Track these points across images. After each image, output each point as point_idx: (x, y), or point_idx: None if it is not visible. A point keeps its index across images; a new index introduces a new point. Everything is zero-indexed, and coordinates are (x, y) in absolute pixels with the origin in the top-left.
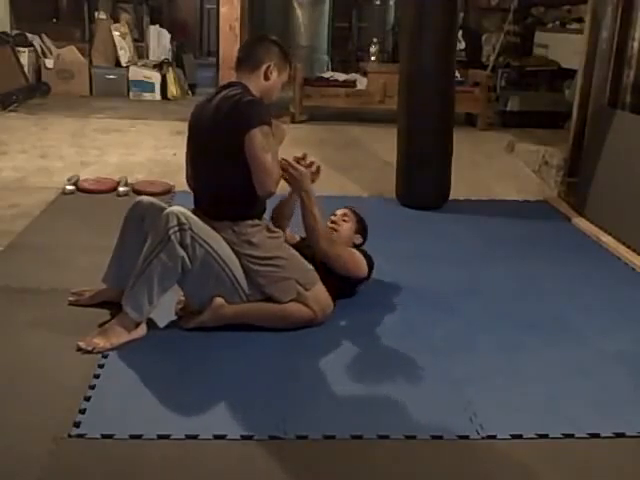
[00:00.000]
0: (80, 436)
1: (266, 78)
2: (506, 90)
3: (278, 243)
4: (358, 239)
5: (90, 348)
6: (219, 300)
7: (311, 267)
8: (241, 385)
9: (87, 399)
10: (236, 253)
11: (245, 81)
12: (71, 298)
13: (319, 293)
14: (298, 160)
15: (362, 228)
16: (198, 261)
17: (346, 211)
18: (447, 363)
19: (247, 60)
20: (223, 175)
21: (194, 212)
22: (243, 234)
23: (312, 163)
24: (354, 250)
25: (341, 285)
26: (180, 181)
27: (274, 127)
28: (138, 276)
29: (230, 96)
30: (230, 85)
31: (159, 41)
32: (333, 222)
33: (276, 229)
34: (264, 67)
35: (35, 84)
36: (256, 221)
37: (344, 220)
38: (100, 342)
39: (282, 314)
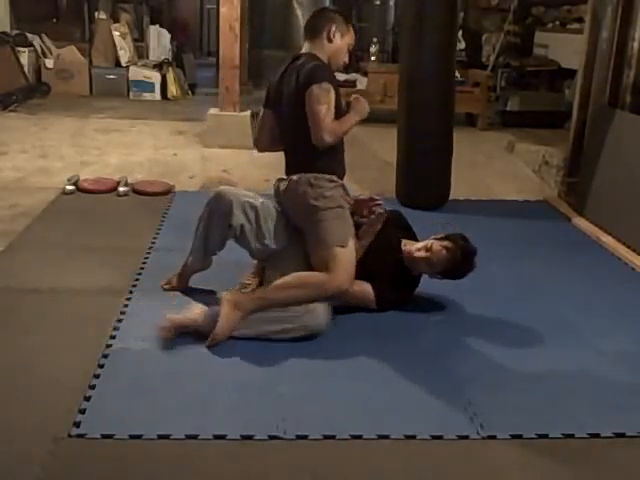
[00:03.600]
0: (80, 436)
1: (329, 40)
2: (506, 90)
3: (346, 201)
4: (433, 277)
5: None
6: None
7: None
8: (241, 385)
9: (87, 399)
10: (309, 205)
11: (312, 49)
12: (166, 286)
13: (347, 257)
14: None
15: (450, 275)
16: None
17: (442, 256)
18: (447, 363)
19: (310, 30)
20: (298, 136)
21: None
22: (319, 187)
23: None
24: (365, 288)
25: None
26: (180, 181)
27: (354, 100)
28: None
29: (296, 67)
30: (298, 57)
31: (159, 41)
32: (427, 250)
33: (349, 195)
34: (326, 31)
35: (35, 84)
36: (334, 178)
37: (427, 259)
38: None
39: (297, 282)
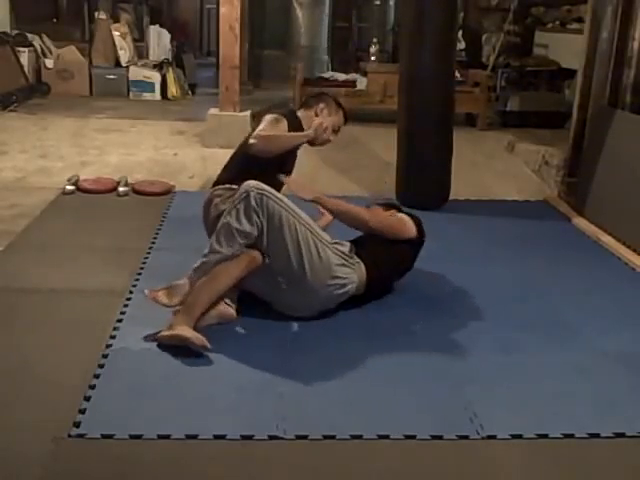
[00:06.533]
0: (80, 436)
1: (316, 114)
2: (506, 90)
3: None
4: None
5: (151, 297)
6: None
7: None
8: (241, 385)
9: (87, 399)
10: None
11: (300, 115)
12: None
13: None
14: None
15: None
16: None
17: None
18: (447, 363)
19: (305, 103)
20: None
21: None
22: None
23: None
24: (399, 215)
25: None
26: (180, 181)
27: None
28: None
29: None
30: None
31: (159, 41)
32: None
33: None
34: (315, 106)
35: (35, 84)
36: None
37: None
38: (164, 299)
39: (210, 275)
